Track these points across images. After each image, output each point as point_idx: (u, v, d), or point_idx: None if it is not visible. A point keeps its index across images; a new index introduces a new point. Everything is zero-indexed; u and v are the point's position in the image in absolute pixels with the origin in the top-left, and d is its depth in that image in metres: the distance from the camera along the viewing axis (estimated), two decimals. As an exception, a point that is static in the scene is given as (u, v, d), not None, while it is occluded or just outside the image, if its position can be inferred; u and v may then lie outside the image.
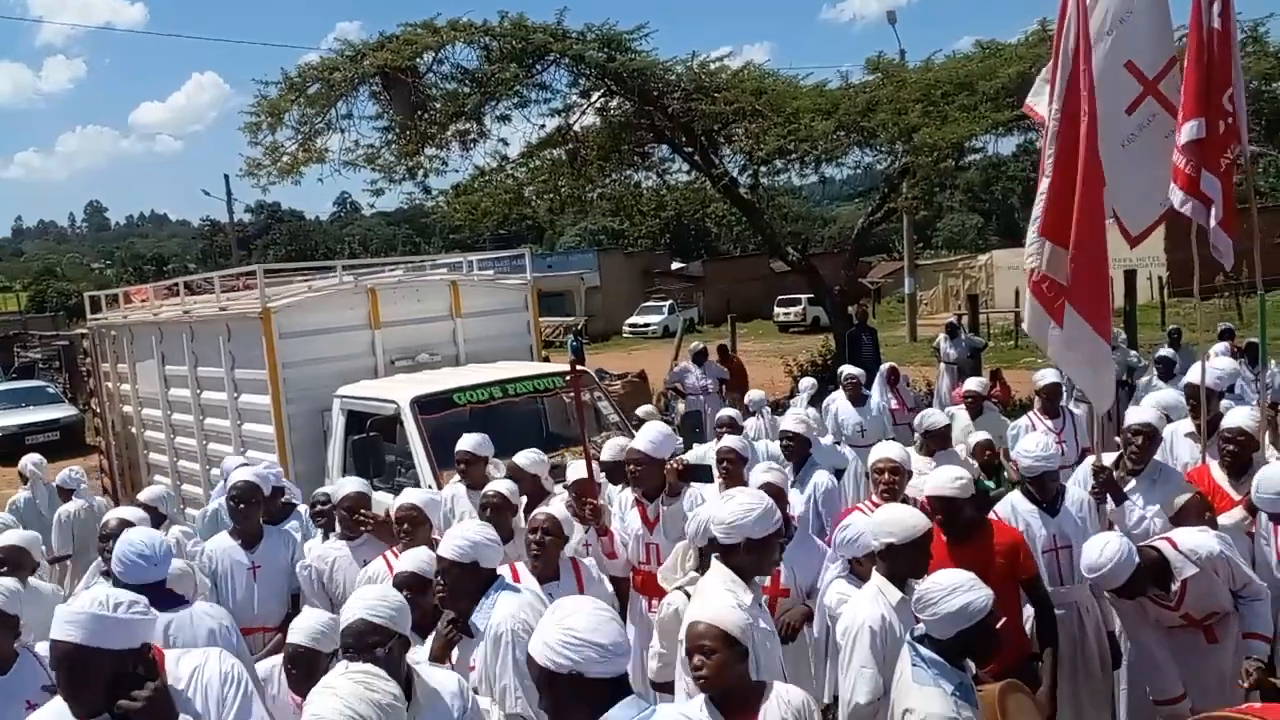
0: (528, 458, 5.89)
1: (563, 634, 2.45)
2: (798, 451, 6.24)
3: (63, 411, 20.56)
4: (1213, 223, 5.04)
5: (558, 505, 4.79)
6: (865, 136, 14.60)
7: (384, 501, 6.25)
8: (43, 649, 3.64)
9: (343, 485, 5.56)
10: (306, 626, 3.68)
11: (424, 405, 7.22)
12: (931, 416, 6.98)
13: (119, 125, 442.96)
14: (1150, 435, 5.10)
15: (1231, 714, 2.99)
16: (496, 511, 5.03)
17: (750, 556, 3.58)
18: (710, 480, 5.85)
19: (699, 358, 13.00)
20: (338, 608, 4.92)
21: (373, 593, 3.24)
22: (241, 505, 5.23)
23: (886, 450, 5.33)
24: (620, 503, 5.66)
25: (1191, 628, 4.26)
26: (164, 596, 3.81)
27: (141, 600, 2.78)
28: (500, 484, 5.19)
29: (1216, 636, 4.24)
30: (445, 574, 3.77)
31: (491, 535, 3.91)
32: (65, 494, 7.90)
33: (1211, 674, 4.22)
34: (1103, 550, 3.97)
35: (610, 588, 4.59)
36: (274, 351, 7.85)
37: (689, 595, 4.03)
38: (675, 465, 5.45)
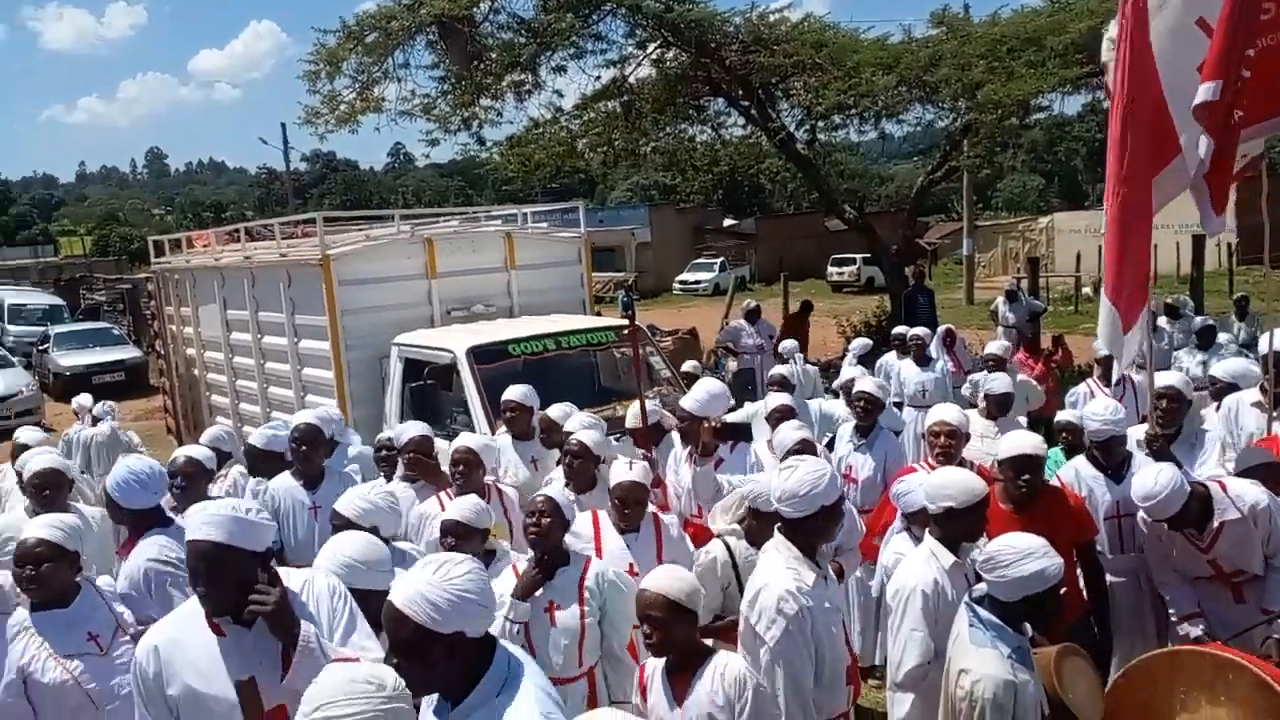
0: (561, 410, 5.95)
1: (447, 591, 2.26)
2: (872, 414, 6.22)
3: (127, 353, 21.12)
4: (1192, 173, 4.77)
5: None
6: (927, 92, 14.31)
7: (440, 448, 6.36)
8: (103, 582, 3.85)
9: (406, 429, 5.68)
10: (463, 505, 4.12)
11: (479, 355, 7.29)
12: (992, 381, 6.88)
13: (179, 72, 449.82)
14: (1175, 398, 5.17)
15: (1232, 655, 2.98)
16: (578, 459, 5.06)
17: (824, 523, 3.50)
18: (749, 439, 5.88)
19: (752, 315, 12.93)
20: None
21: (328, 550, 3.27)
22: (304, 447, 5.34)
23: (943, 413, 5.27)
24: (674, 457, 5.69)
25: (1219, 581, 4.25)
26: (158, 520, 4.20)
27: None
28: (585, 434, 5.17)
29: (1244, 596, 4.23)
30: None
31: (394, 504, 4.05)
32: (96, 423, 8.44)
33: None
34: (1157, 479, 4.02)
35: (691, 545, 4.58)
36: (333, 298, 7.95)
37: (728, 545, 4.17)
38: (713, 424, 5.48)
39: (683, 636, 3.14)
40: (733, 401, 6.24)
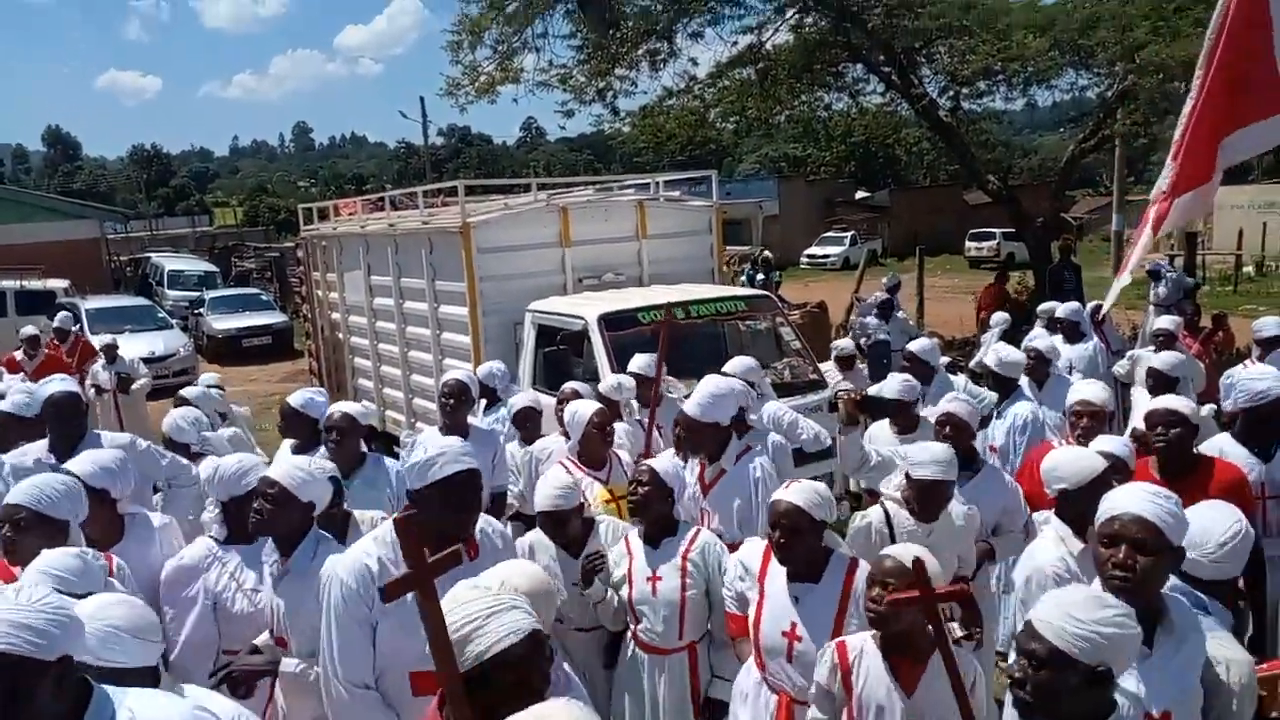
0: (609, 383, 6.00)
1: (43, 611, 1.98)
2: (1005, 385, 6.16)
3: (275, 318, 22.09)
4: None
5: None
6: (1082, 56, 13.60)
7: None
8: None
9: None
10: (547, 492, 4.08)
11: (610, 322, 7.34)
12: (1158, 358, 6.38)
13: (325, 48, 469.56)
14: None
15: None
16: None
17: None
18: (892, 414, 5.69)
19: (894, 289, 12.65)
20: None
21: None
22: (452, 402, 5.53)
23: (1084, 393, 5.05)
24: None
25: None
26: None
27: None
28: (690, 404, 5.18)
29: None
30: (269, 498, 3.40)
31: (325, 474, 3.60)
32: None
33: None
34: None
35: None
36: (472, 265, 8.11)
37: (887, 511, 4.03)
38: (854, 396, 5.32)
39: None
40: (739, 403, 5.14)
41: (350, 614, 2.95)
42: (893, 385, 5.45)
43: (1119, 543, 2.54)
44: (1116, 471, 3.72)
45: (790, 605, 3.34)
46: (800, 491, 3.30)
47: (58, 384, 4.98)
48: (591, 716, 1.81)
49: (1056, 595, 2.33)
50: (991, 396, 6.79)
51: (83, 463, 3.79)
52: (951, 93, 14.87)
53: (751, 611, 3.45)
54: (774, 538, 3.31)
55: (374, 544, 3.07)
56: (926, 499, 4.00)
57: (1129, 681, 2.51)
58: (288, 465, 3.48)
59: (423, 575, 1.96)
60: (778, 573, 3.39)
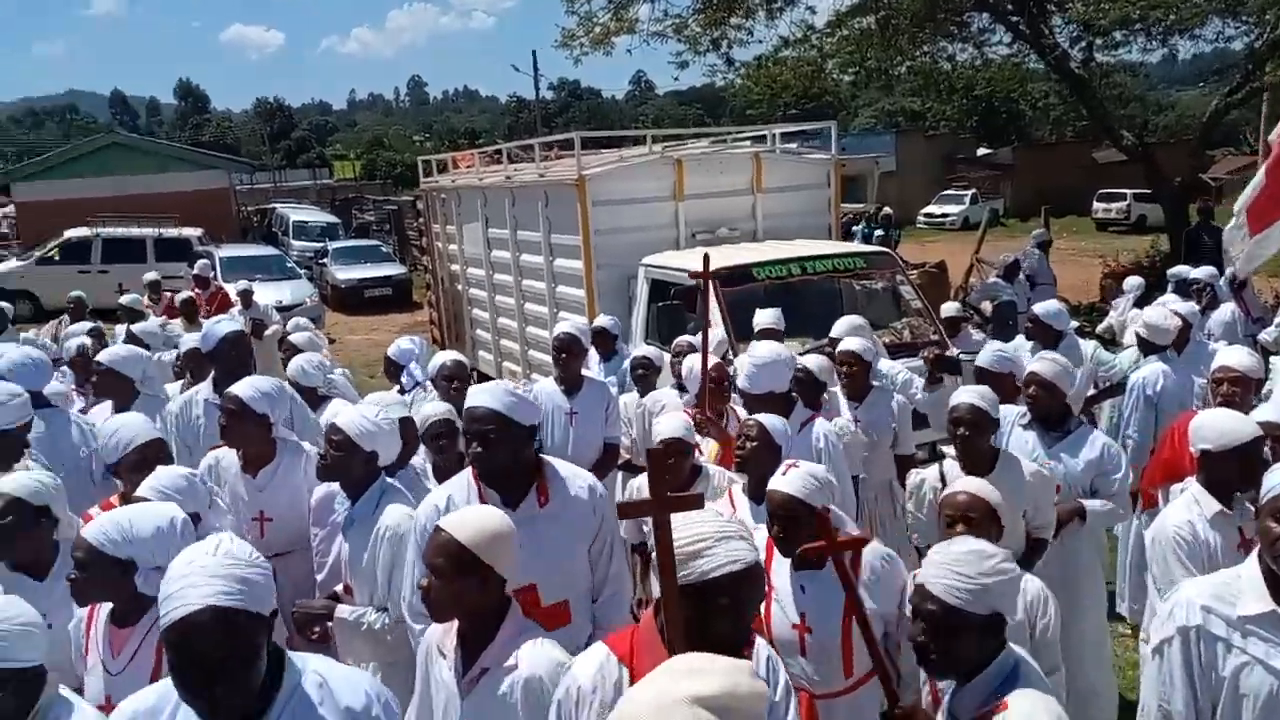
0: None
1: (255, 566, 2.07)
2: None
3: (394, 269, 22.72)
4: None
5: None
6: (1230, 3, 12.71)
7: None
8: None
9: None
10: (673, 424, 4.16)
11: (724, 278, 7.29)
12: None
13: (439, 2, 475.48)
14: None
15: None
16: (801, 386, 5.00)
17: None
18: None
19: (1045, 245, 12.23)
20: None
21: None
22: (563, 355, 5.61)
23: (1227, 358, 4.80)
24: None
25: None
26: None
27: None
28: (810, 359, 5.15)
29: None
30: (334, 444, 3.54)
31: (395, 429, 3.69)
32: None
33: None
34: None
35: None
36: (587, 218, 8.17)
37: (943, 471, 4.10)
38: (930, 355, 5.89)
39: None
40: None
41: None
42: (984, 356, 5.16)
43: None
44: (1275, 440, 3.51)
45: (798, 596, 3.15)
46: (794, 479, 3.08)
47: (229, 323, 5.24)
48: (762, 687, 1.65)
49: (938, 556, 2.39)
50: (1122, 363, 6.54)
51: (245, 387, 4.00)
52: (1085, 43, 14.13)
53: (761, 609, 3.22)
54: (772, 531, 3.13)
55: (451, 485, 3.22)
56: (967, 429, 3.92)
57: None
58: (354, 414, 3.59)
59: (659, 506, 2.18)
60: (782, 564, 3.18)
